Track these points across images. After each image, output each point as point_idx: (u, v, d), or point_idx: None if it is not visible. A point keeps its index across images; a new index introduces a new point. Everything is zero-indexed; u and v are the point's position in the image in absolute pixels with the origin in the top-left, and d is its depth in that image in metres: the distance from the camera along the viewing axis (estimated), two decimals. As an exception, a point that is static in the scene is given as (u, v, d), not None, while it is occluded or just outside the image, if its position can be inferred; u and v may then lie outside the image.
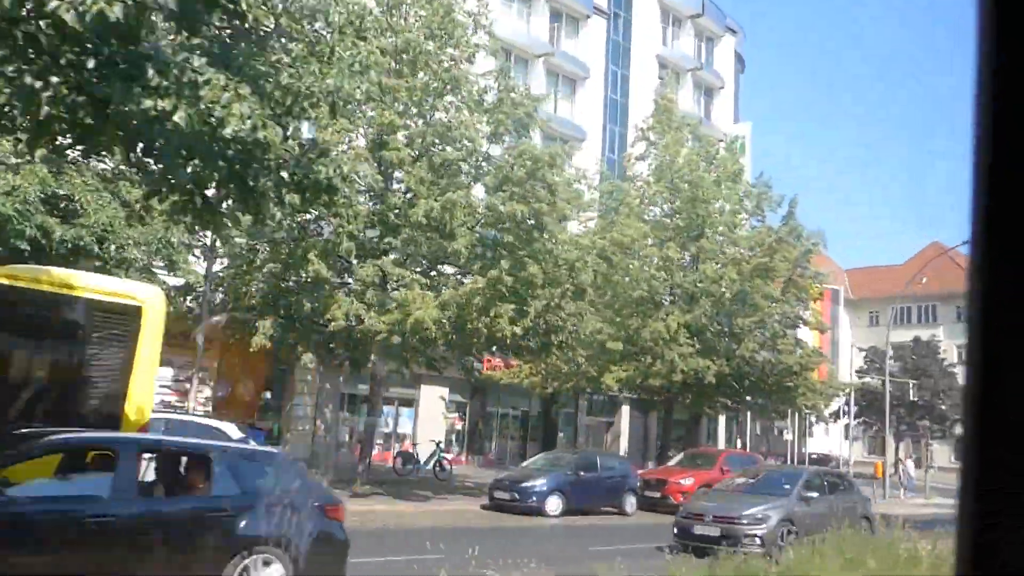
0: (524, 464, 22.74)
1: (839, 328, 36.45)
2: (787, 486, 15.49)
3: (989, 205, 1.09)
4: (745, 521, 14.10)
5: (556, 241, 19.59)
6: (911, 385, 51.19)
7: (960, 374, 57.44)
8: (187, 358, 25.60)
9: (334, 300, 18.94)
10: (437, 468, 25.19)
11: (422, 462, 25.73)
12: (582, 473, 20.09)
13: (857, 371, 58.35)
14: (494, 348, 21.07)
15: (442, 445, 25.89)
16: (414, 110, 20.42)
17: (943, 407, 56.75)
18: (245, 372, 28.21)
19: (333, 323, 18.47)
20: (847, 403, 47.12)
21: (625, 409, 39.15)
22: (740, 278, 26.26)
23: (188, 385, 27.11)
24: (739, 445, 47.07)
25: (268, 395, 29.31)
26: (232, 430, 14.60)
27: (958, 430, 60.06)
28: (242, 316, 20.37)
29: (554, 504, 19.33)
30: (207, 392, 27.16)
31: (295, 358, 21.98)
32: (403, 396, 31.82)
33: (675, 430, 43.58)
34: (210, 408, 27.17)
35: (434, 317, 17.55)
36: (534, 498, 19.19)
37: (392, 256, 19.92)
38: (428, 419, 31.95)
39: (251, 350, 20.05)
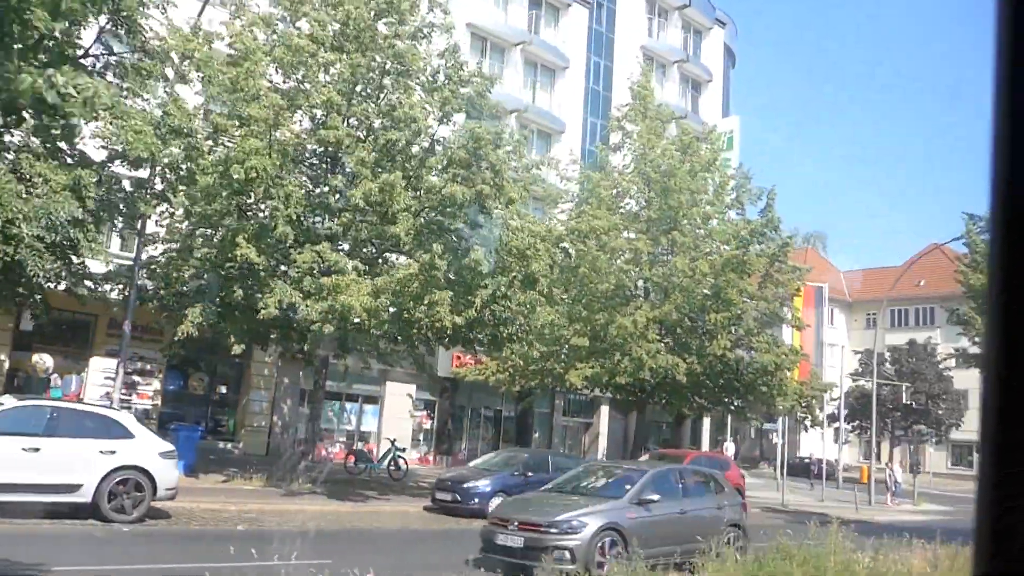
0: (472, 463, 21.61)
1: (824, 328, 35.16)
2: (627, 487, 12.54)
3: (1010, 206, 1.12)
4: (553, 530, 11.10)
5: (507, 227, 18.44)
6: (904, 388, 49.85)
7: (955, 377, 56.16)
8: (138, 350, 24.63)
9: (269, 287, 17.87)
10: (392, 467, 24.05)
11: (379, 460, 24.62)
12: (530, 474, 18.92)
13: (851, 374, 57.23)
14: (443, 340, 19.89)
15: (398, 443, 24.73)
16: (358, 88, 19.33)
17: (939, 411, 55.41)
18: (198, 365, 27.17)
19: (264, 311, 17.36)
20: (838, 406, 46.08)
21: (604, 409, 38.02)
22: (713, 272, 25.07)
23: (136, 378, 26.16)
24: (726, 448, 45.87)
25: (224, 389, 28.24)
26: (128, 419, 13.50)
27: (954, 435, 58.83)
28: (171, 303, 19.28)
29: (499, 506, 18.17)
30: (156, 385, 26.10)
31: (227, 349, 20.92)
32: (368, 393, 30.74)
33: (660, 432, 42.67)
34: (158, 402, 26.17)
35: (365, 304, 16.43)
36: (476, 500, 18.05)
37: (337, 243, 18.82)
38: (394, 417, 30.87)
39: (210, 342, 19.08)
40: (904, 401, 50.35)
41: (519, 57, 36.16)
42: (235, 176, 16.47)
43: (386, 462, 24.18)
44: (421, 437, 32.23)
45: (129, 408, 25.49)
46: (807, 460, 42.55)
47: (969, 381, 62.25)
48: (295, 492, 18.82)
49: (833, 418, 45.03)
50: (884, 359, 58.86)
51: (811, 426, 60.22)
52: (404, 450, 25.34)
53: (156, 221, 20.54)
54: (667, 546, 10.98)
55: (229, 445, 27.05)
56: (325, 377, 21.31)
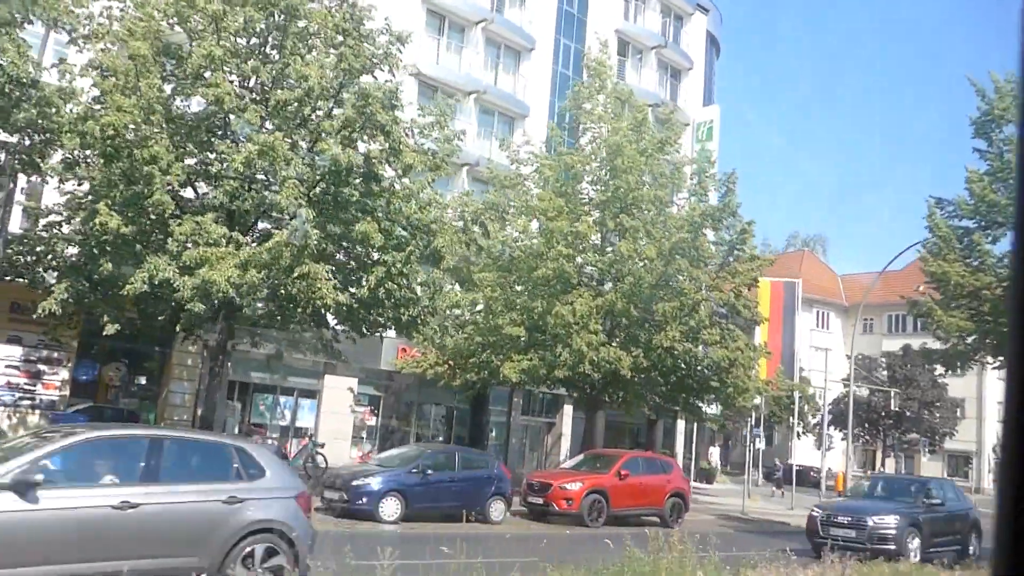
0: (376, 458, 19.77)
1: (795, 329, 33.12)
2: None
3: None
4: None
5: (411, 198, 16.59)
6: (893, 394, 47.63)
7: (950, 384, 53.89)
8: (38, 335, 22.90)
9: (143, 261, 16.08)
10: (309, 464, 22.22)
11: (294, 457, 22.79)
12: (430, 472, 17.05)
13: (844, 379, 55.05)
14: (323, 321, 18.02)
15: (316, 439, 22.90)
16: (250, 43, 17.54)
17: (934, 419, 53.11)
18: (113, 353, 25.39)
19: (129, 287, 15.57)
20: (822, 412, 43.98)
21: (568, 408, 36.04)
22: (660, 257, 23.14)
23: (42, 367, 24.44)
24: (711, 454, 43.91)
25: (143, 380, 26.46)
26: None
27: (949, 444, 56.48)
28: (40, 279, 17.55)
29: (391, 508, 16.31)
30: (64, 374, 24.33)
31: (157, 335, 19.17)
32: (305, 386, 28.91)
33: (636, 435, 40.60)
34: (66, 392, 24.42)
35: (231, 278, 14.61)
36: (364, 499, 16.22)
37: (220, 214, 17.00)
38: (333, 412, 29.00)
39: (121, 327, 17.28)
40: (893, 408, 48.14)
41: (480, 36, 34.33)
42: (89, 134, 14.71)
43: (302, 460, 22.35)
44: (364, 434, 30.35)
45: (33, 400, 23.99)
46: (775, 467, 40.38)
47: (966, 390, 60.06)
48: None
49: (822, 425, 42.90)
50: (878, 364, 56.70)
51: (802, 433, 58.45)
52: (323, 446, 23.51)
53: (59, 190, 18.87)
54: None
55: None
56: (222, 364, 19.49)
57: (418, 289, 17.50)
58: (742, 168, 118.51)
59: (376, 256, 16.65)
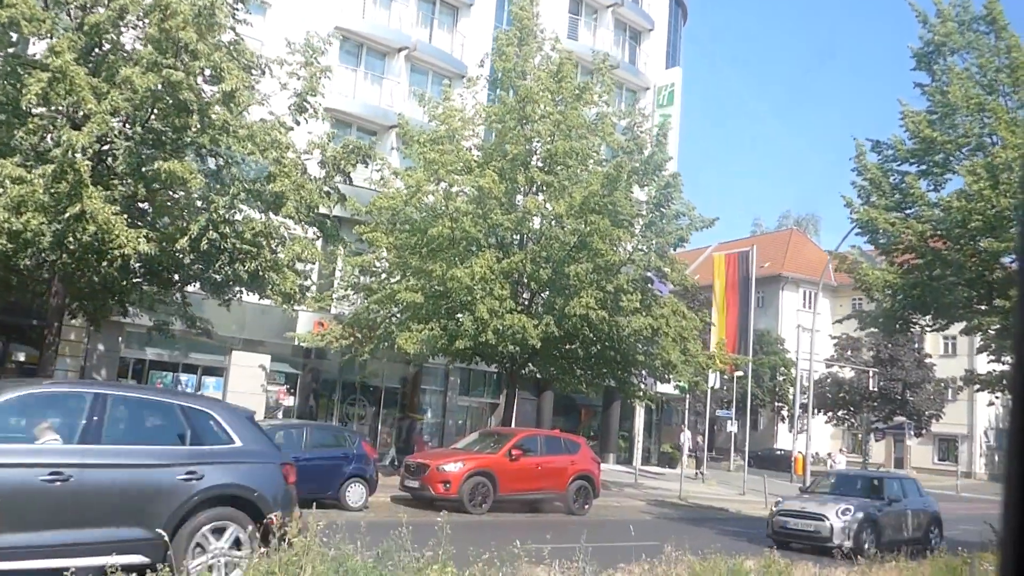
0: None
1: (750, 301, 30.70)
2: None
3: None
4: None
5: (228, 132, 14.25)
6: (872, 374, 45.18)
7: (938, 367, 51.47)
8: None
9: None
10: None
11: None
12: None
13: (826, 360, 52.59)
14: (132, 276, 15.76)
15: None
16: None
17: (920, 401, 50.60)
18: (-11, 326, 23.29)
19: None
20: (794, 394, 41.52)
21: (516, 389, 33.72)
22: (572, 215, 20.83)
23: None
24: (683, 437, 41.42)
25: (22, 357, 24.32)
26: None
27: (938, 428, 53.95)
28: None
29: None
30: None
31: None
32: (209, 363, 26.75)
33: (593, 417, 38.32)
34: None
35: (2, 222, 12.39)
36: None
37: (28, 156, 14.75)
38: (241, 392, 26.79)
39: None
40: (871, 388, 45.68)
41: (412, -10, 31.95)
42: None
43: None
44: (280, 415, 28.13)
45: None
46: (691, 444, 37.79)
47: (958, 371, 57.42)
48: None
49: (805, 408, 40.39)
50: (861, 345, 54.21)
51: (787, 417, 55.90)
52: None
53: None
54: None
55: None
56: (56, 333, 17.29)
57: (261, 241, 15.21)
58: (727, 141, 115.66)
59: (200, 203, 14.38)
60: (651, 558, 9.19)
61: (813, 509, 16.31)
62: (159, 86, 13.34)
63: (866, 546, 15.14)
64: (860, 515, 16.08)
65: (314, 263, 17.91)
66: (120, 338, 25.01)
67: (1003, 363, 18.55)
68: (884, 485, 17.77)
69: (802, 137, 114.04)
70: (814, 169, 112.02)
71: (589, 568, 8.40)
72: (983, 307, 17.15)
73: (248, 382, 27.00)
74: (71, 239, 13.00)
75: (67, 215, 12.35)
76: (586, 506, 19.07)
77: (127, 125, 14.42)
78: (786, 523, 16.40)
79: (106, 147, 14.56)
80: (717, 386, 37.75)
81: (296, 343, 24.76)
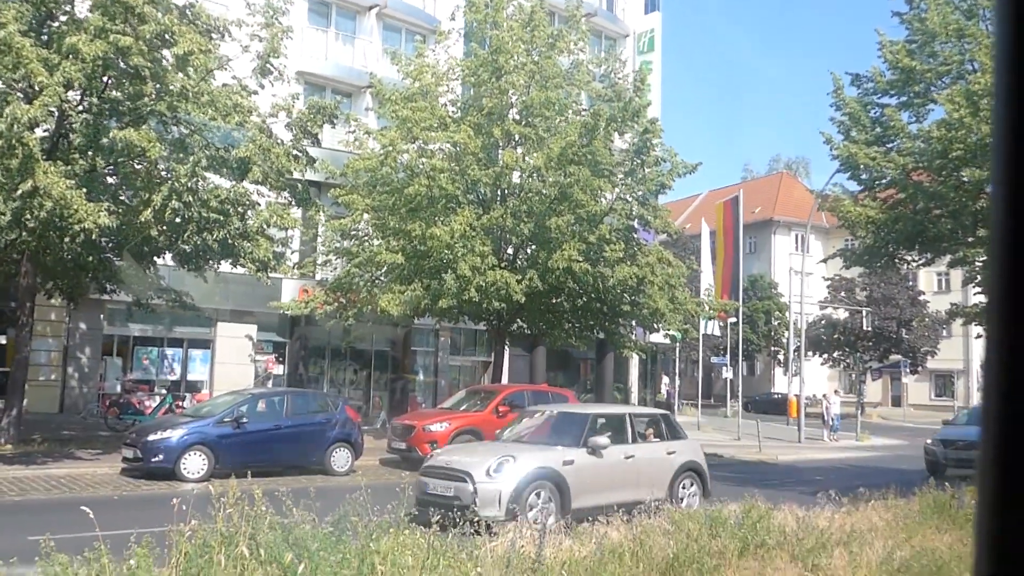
0: (189, 407, 17.39)
1: (739, 246, 30.41)
2: None
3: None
4: None
5: (188, 97, 13.84)
6: (865, 313, 45.08)
7: (931, 304, 51.34)
8: None
9: None
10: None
11: (151, 412, 20.43)
12: (245, 421, 14.63)
13: (820, 302, 52.48)
14: (98, 251, 15.46)
15: (177, 392, 20.54)
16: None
17: (914, 338, 50.60)
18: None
19: None
20: (788, 336, 41.48)
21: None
22: (550, 167, 20.46)
23: None
24: (664, 385, 41.53)
25: (2, 339, 24.06)
26: None
27: (933, 364, 54.07)
28: None
29: (195, 465, 13.93)
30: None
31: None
32: (195, 336, 26.52)
33: (586, 370, 38.31)
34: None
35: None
36: (160, 456, 13.83)
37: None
38: (229, 363, 26.67)
39: None
40: (865, 328, 45.60)
41: (381, -57, 31.12)
42: None
43: (159, 414, 20.01)
44: (270, 384, 27.98)
45: None
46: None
47: (947, 304, 57.43)
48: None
49: (800, 351, 40.34)
50: (855, 285, 54.06)
51: (783, 361, 55.88)
52: (184, 398, 21.12)
53: None
54: None
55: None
56: (29, 314, 17.01)
57: (228, 209, 14.86)
58: (713, 88, 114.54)
59: (165, 173, 14.02)
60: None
61: None
62: (109, 53, 12.90)
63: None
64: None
65: (288, 229, 17.60)
66: (101, 315, 24.76)
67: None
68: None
69: (790, 79, 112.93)
70: (803, 110, 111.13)
71: (564, 521, 8.27)
72: (969, 239, 16.92)
73: (235, 353, 26.84)
74: (28, 216, 12.67)
75: (19, 192, 12.00)
76: (577, 459, 18.97)
77: (84, 96, 13.99)
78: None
79: (65, 120, 14.15)
80: (716, 333, 37.70)
81: (281, 312, 24.50)
